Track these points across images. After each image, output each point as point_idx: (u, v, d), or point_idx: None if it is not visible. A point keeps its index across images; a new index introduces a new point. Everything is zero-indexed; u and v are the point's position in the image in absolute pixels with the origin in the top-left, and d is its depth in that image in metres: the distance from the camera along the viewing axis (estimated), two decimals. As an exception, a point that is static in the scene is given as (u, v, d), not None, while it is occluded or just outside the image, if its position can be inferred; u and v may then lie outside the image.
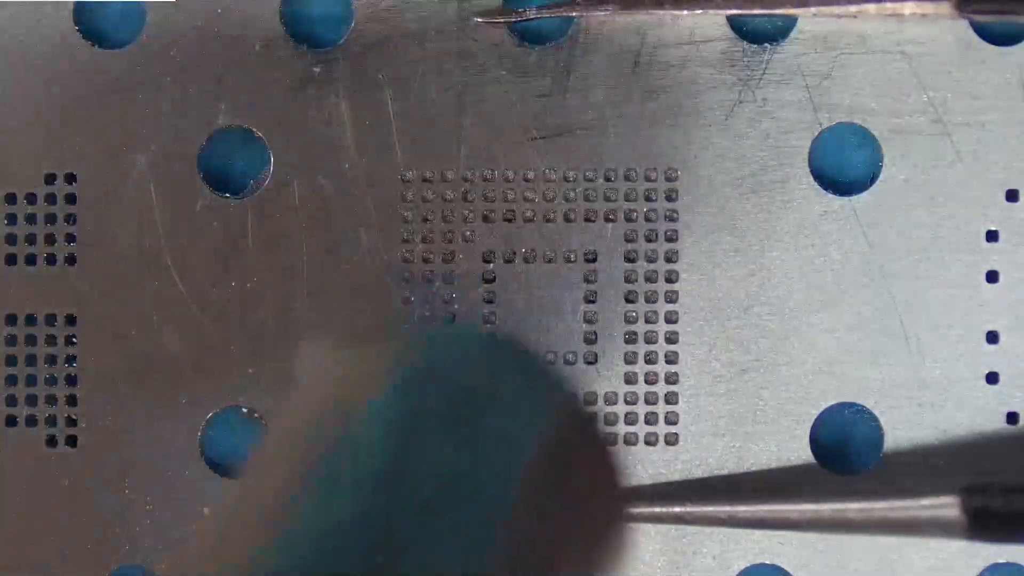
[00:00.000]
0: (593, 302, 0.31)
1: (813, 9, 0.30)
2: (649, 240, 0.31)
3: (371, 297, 0.31)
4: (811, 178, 0.30)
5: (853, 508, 0.29)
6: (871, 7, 0.30)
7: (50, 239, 0.31)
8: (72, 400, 0.31)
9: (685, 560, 0.30)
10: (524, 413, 0.22)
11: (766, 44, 0.30)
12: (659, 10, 0.30)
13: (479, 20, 0.30)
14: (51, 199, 0.31)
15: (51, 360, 0.31)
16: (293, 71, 0.31)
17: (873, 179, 0.30)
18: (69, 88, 0.31)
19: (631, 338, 0.31)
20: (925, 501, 0.29)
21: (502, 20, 0.30)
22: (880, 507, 0.29)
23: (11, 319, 0.31)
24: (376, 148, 0.31)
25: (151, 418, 0.31)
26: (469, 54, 0.31)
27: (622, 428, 0.30)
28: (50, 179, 0.31)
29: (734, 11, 0.30)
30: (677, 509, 0.30)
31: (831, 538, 0.30)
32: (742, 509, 0.30)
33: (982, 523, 0.29)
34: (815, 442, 0.30)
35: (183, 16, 0.31)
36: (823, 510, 0.29)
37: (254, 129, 0.31)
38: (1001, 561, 0.30)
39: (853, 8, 0.30)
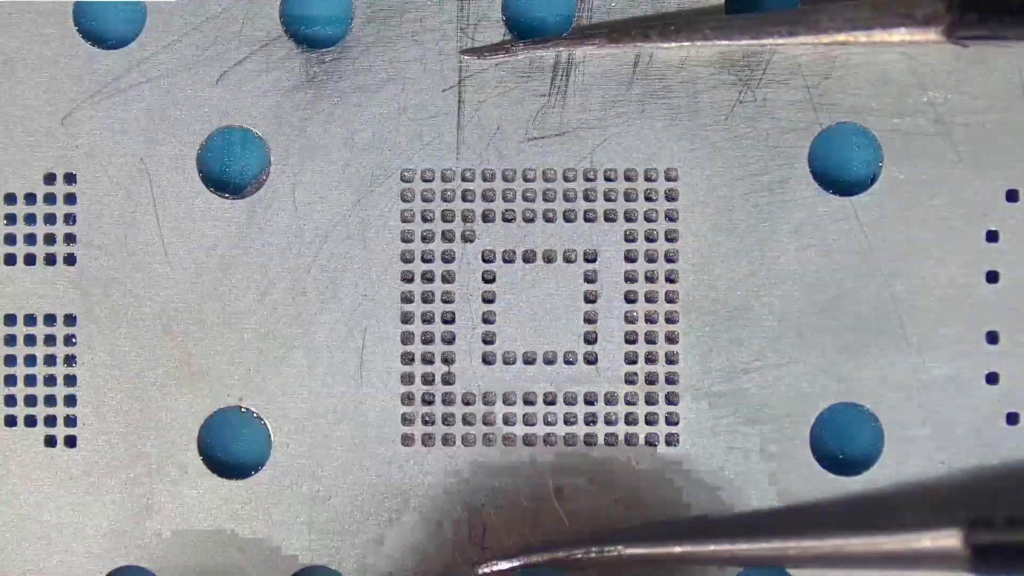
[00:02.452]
0: (593, 302, 0.31)
1: (801, 39, 0.30)
2: (649, 240, 0.31)
3: (372, 296, 0.31)
4: (811, 178, 0.30)
5: (855, 543, 0.29)
6: (860, 36, 0.30)
7: (50, 239, 0.31)
8: (71, 400, 0.31)
9: (685, 560, 0.30)
10: None
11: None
12: (646, 43, 0.30)
13: (466, 58, 0.30)
14: (51, 199, 0.31)
15: (50, 360, 0.31)
16: (293, 71, 0.31)
17: (873, 179, 0.30)
18: (69, 88, 0.31)
19: (631, 338, 0.31)
20: (928, 535, 0.29)
21: (489, 56, 0.30)
22: (882, 541, 0.29)
23: (10, 319, 0.31)
24: (376, 148, 0.31)
25: (150, 418, 0.31)
26: (470, 52, 0.31)
27: (622, 428, 0.30)
28: (50, 179, 0.31)
29: (723, 42, 0.30)
30: (677, 549, 0.30)
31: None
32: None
33: (985, 557, 0.29)
34: (815, 442, 0.30)
35: (183, 16, 0.31)
36: (823, 546, 0.29)
37: (254, 129, 0.31)
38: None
39: (841, 37, 0.30)
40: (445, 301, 0.31)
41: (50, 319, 0.31)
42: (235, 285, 0.31)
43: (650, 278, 0.31)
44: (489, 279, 0.31)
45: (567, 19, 0.31)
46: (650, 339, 0.31)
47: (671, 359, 0.30)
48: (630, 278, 0.31)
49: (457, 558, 0.30)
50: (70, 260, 0.31)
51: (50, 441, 0.31)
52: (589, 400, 0.31)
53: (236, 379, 0.31)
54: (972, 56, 0.30)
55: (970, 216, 0.30)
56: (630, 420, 0.30)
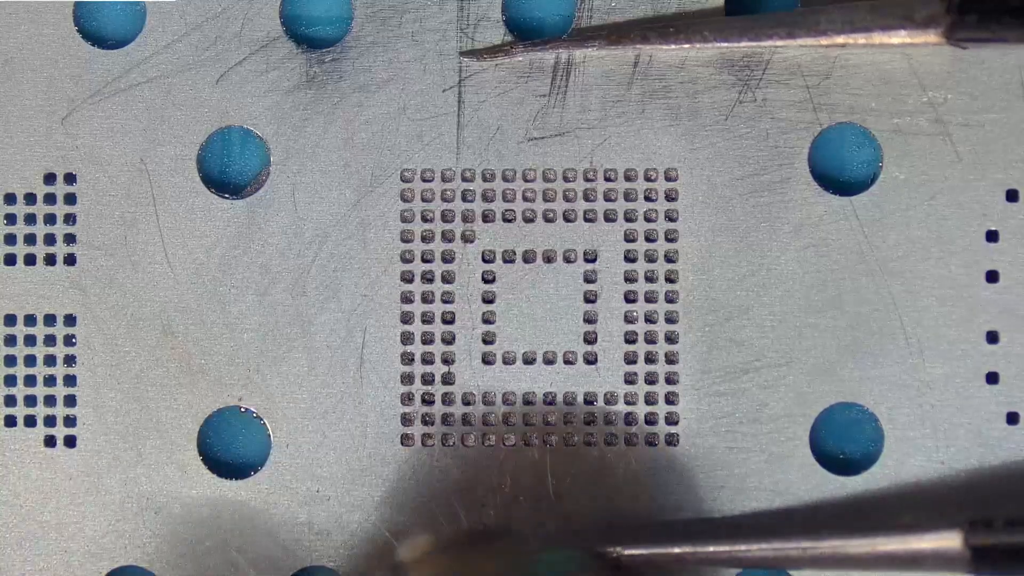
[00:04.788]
0: (593, 302, 0.31)
1: (800, 41, 0.30)
2: (649, 240, 0.31)
3: (372, 296, 0.31)
4: (811, 178, 0.30)
5: (855, 544, 0.29)
6: (860, 38, 0.30)
7: (49, 239, 0.31)
8: (71, 400, 0.31)
9: (685, 559, 0.30)
10: None
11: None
12: (646, 45, 0.30)
13: (466, 60, 0.31)
14: (51, 199, 0.31)
15: (50, 360, 0.31)
16: (293, 71, 0.31)
17: (873, 179, 0.30)
18: (69, 88, 0.31)
19: (631, 338, 0.31)
20: (928, 536, 0.29)
21: (488, 57, 0.31)
22: (882, 542, 0.29)
23: (10, 319, 0.31)
24: (376, 148, 0.31)
25: (150, 418, 0.31)
26: (469, 54, 0.31)
27: (622, 428, 0.30)
28: (50, 179, 0.31)
29: (722, 44, 0.30)
30: (677, 550, 0.30)
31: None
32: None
33: (986, 558, 0.29)
34: (815, 443, 0.30)
35: (183, 16, 0.31)
36: (822, 547, 0.29)
37: (254, 129, 0.31)
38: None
39: (840, 39, 0.30)
40: (445, 301, 0.31)
41: (50, 319, 0.31)
42: (235, 285, 0.31)
43: (650, 278, 0.31)
44: (489, 279, 0.31)
45: (567, 19, 0.31)
46: (650, 339, 0.31)
47: (671, 359, 0.30)
48: (630, 278, 0.31)
49: (457, 558, 0.30)
50: (70, 260, 0.31)
51: (50, 441, 0.31)
52: (589, 400, 0.31)
53: (236, 379, 0.31)
54: (972, 56, 0.30)
55: (970, 216, 0.30)
56: (630, 420, 0.30)
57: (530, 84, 0.31)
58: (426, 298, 0.31)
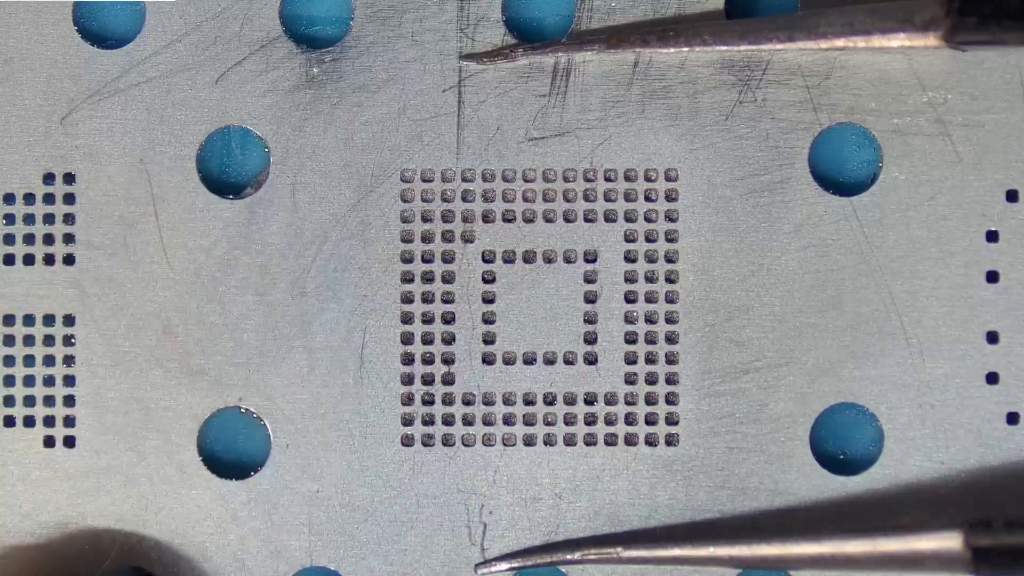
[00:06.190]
0: (593, 302, 0.31)
1: (800, 44, 0.30)
2: (649, 240, 0.31)
3: (372, 296, 0.31)
4: (811, 178, 0.30)
5: (855, 545, 0.29)
6: (859, 41, 0.30)
7: (48, 239, 0.31)
8: (70, 401, 0.31)
9: (686, 559, 0.30)
10: None
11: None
12: (645, 48, 0.30)
13: (465, 62, 0.31)
14: (50, 199, 0.31)
15: (49, 360, 0.31)
16: (293, 71, 0.31)
17: (873, 179, 0.30)
18: (68, 88, 0.31)
19: (631, 338, 0.31)
20: (928, 536, 0.29)
21: (489, 60, 0.31)
22: (882, 542, 0.29)
23: (9, 319, 0.31)
24: (376, 148, 0.31)
25: (150, 418, 0.31)
26: (469, 57, 0.31)
27: (622, 428, 0.30)
28: (49, 179, 0.31)
29: (721, 47, 0.30)
30: (677, 551, 0.30)
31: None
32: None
33: (985, 558, 0.29)
34: (815, 443, 0.30)
35: (183, 16, 0.31)
36: (822, 548, 0.29)
37: (254, 129, 0.31)
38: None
39: (840, 42, 0.30)
40: (445, 301, 0.31)
41: (49, 319, 0.31)
42: (235, 285, 0.31)
43: (650, 278, 0.31)
44: (489, 279, 0.31)
45: (567, 19, 0.31)
46: (650, 339, 0.31)
47: (671, 359, 0.30)
48: (630, 278, 0.31)
49: (457, 559, 0.30)
50: (69, 260, 0.31)
51: (49, 442, 0.31)
52: (589, 400, 0.31)
53: (236, 379, 0.31)
54: (972, 57, 0.30)
55: (970, 216, 0.30)
56: (630, 420, 0.30)
57: (530, 84, 0.31)
58: (426, 298, 0.31)
